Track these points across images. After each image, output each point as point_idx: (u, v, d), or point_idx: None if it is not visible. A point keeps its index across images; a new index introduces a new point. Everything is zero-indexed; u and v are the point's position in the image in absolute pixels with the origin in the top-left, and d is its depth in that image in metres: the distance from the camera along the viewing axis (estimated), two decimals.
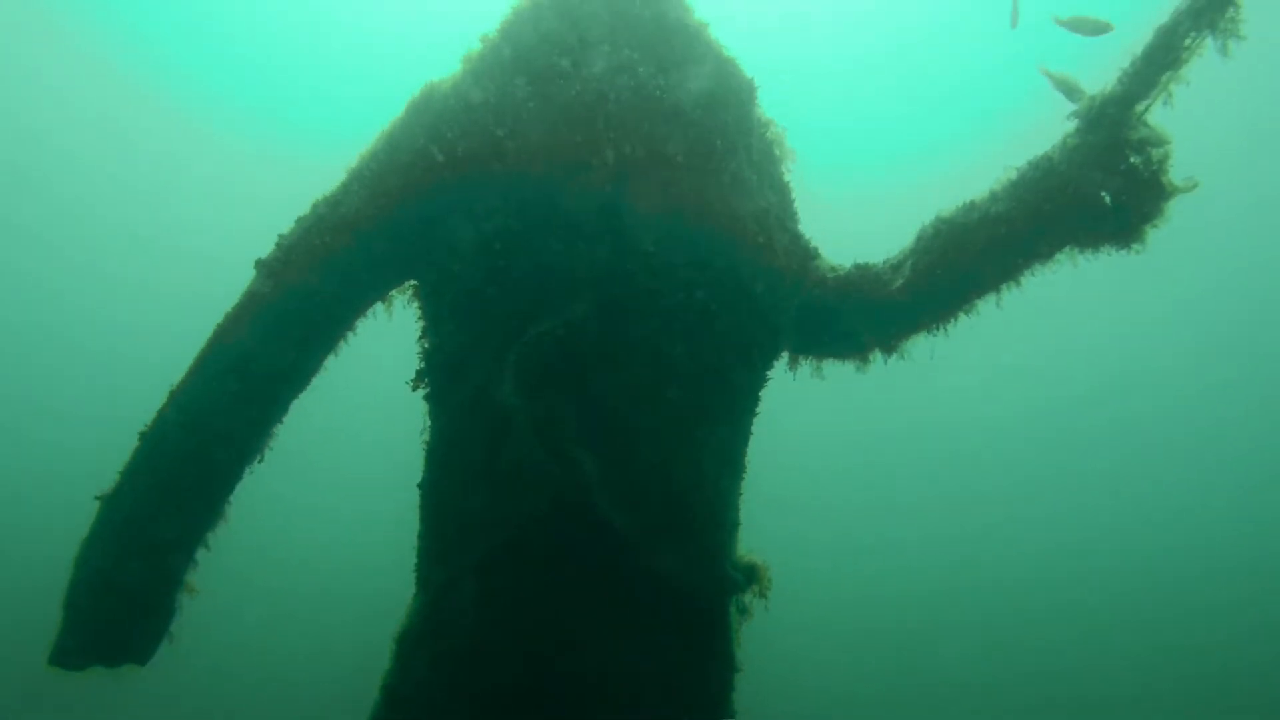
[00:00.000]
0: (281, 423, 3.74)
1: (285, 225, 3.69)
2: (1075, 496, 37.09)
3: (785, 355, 3.96)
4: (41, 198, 34.53)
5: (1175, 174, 3.28)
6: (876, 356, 3.83)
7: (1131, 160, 3.26)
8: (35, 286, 35.51)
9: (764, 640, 3.89)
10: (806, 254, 3.87)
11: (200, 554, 3.73)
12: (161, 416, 3.53)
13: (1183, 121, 3.28)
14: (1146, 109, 3.27)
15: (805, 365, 3.93)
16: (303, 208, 3.71)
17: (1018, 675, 30.68)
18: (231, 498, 3.71)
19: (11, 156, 33.33)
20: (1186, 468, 36.65)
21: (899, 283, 3.68)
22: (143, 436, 3.52)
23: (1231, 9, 3.08)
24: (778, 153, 3.93)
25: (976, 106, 31.71)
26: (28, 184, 34.11)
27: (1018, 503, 37.20)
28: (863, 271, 3.81)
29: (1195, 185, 3.25)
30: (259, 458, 3.72)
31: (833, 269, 3.85)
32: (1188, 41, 3.13)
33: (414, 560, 3.68)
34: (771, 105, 3.88)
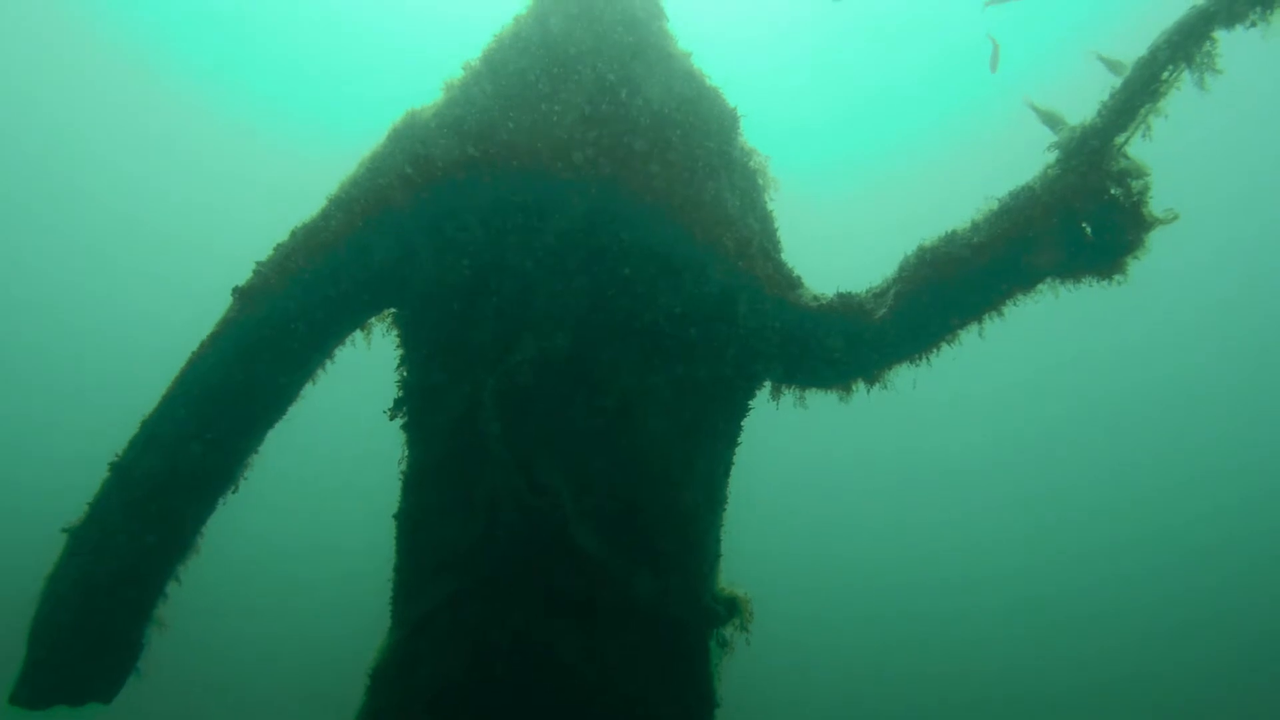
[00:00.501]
0: (257, 452, 3.66)
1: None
2: (1072, 505, 37.30)
3: (767, 385, 3.93)
4: (54, 188, 34.54)
5: (1155, 205, 3.30)
6: (859, 387, 3.81)
7: (1112, 191, 3.28)
8: (44, 275, 35.43)
9: (760, 651, 3.84)
10: (789, 283, 3.85)
11: (174, 579, 3.65)
12: (132, 445, 3.46)
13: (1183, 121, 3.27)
14: (1126, 141, 3.29)
15: (788, 395, 3.89)
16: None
17: (1012, 691, 30.54)
18: (204, 529, 3.63)
19: (23, 146, 33.35)
20: (1182, 475, 36.96)
21: (882, 311, 3.66)
22: (112, 467, 3.44)
23: (1208, 43, 3.10)
24: (760, 181, 3.92)
25: (947, 107, 32.19)
26: (42, 174, 34.09)
27: (1013, 514, 37.35)
28: (845, 300, 3.78)
29: (1175, 217, 3.26)
30: (233, 488, 3.64)
31: (815, 298, 3.83)
32: (1165, 75, 3.15)
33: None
34: (751, 113, 3.87)
